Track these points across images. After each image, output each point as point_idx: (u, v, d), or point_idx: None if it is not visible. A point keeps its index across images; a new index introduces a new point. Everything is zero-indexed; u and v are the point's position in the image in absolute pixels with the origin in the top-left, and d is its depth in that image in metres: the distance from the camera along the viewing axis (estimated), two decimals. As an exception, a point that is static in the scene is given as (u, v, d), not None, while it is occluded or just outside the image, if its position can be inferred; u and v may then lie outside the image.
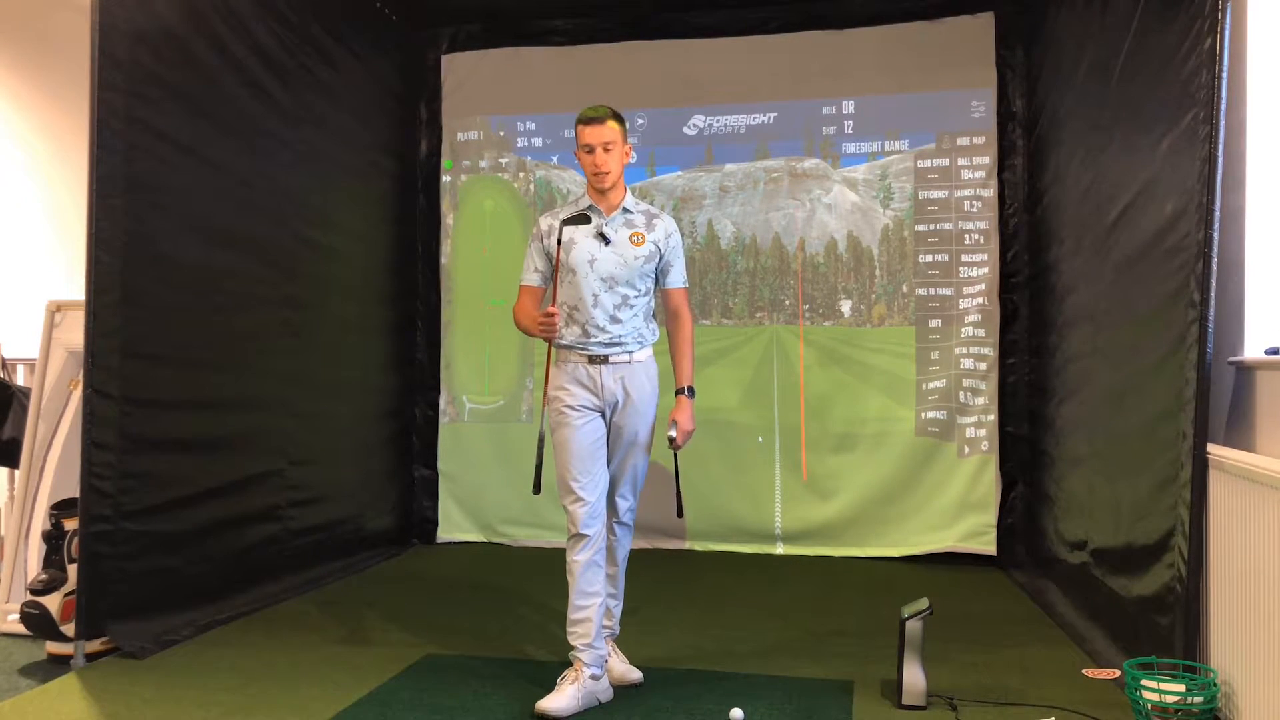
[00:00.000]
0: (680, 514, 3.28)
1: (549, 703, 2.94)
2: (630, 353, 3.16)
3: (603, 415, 3.16)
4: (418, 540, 5.68)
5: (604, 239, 3.15)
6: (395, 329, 5.57)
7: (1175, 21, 3.00)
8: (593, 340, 3.13)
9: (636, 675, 3.23)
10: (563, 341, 3.15)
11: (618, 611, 3.29)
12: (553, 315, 3.03)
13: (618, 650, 3.29)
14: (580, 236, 3.16)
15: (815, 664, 3.44)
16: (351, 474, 5.07)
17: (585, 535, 3.07)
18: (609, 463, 3.19)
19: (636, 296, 3.17)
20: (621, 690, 3.16)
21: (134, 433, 3.57)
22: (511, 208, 5.70)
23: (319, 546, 4.73)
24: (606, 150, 3.12)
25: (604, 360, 3.13)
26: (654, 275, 3.23)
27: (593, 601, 3.07)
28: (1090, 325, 3.88)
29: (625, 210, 3.21)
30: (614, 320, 3.13)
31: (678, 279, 3.26)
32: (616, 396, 3.14)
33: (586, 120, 3.14)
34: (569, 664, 3.09)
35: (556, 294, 3.18)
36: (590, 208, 3.19)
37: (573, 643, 3.07)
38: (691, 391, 3.22)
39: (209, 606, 3.90)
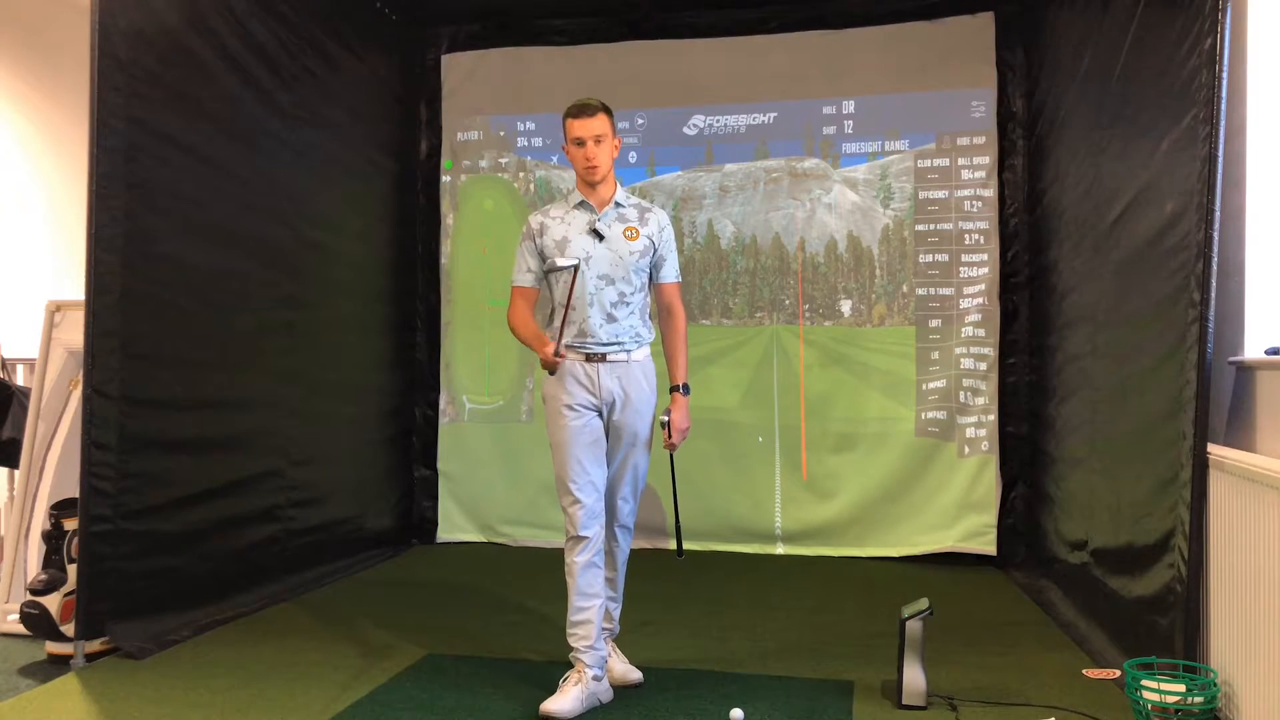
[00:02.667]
0: (680, 554, 3.24)
1: (553, 704, 2.93)
2: (628, 351, 3.11)
3: (600, 414, 3.12)
4: (418, 540, 5.68)
5: (598, 235, 3.10)
6: (395, 329, 5.57)
7: (1175, 21, 3.00)
8: (590, 339, 3.09)
9: (636, 676, 3.23)
10: (561, 339, 3.07)
11: (617, 612, 3.26)
12: (560, 358, 2.98)
13: (618, 650, 3.28)
14: (574, 234, 3.11)
15: (815, 664, 3.44)
16: (351, 474, 5.07)
17: (585, 537, 3.04)
18: (608, 465, 3.15)
19: (633, 294, 3.12)
20: (621, 690, 3.16)
21: (134, 433, 3.57)
22: (511, 208, 5.70)
23: (319, 546, 4.73)
24: (597, 143, 3.07)
25: (601, 359, 3.09)
26: (649, 270, 3.19)
27: (593, 603, 3.06)
28: (1090, 325, 3.88)
29: (617, 204, 3.16)
30: (610, 319, 3.09)
31: (671, 273, 3.22)
32: (615, 396, 3.09)
33: (575, 113, 3.08)
34: (569, 664, 3.09)
35: (553, 293, 3.15)
36: (581, 203, 3.15)
37: (573, 644, 3.06)
38: (686, 389, 3.17)
39: (209, 606, 3.90)
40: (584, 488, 3.06)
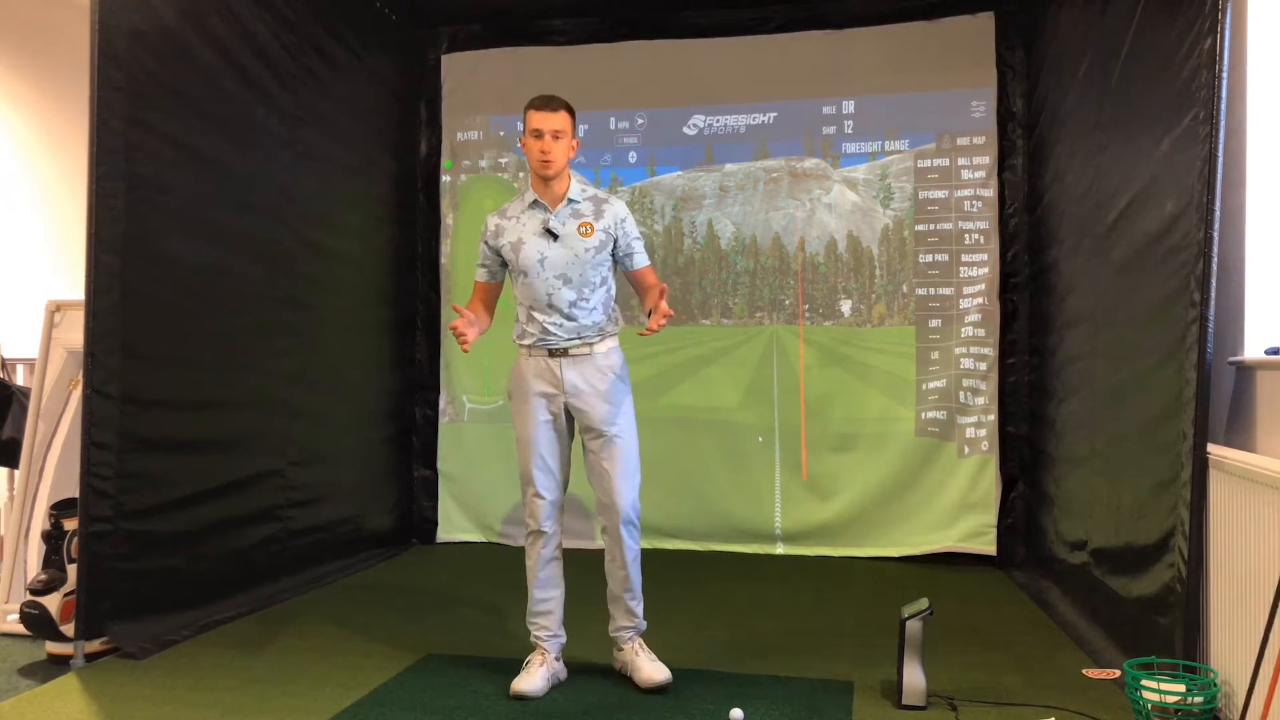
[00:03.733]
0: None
1: (523, 684, 3.07)
2: (590, 344, 3.15)
3: (566, 410, 3.16)
4: (417, 540, 5.68)
5: (551, 235, 3.13)
6: (395, 329, 5.57)
7: (1175, 21, 3.00)
8: (552, 336, 3.13)
9: (665, 675, 3.14)
10: (525, 341, 3.17)
11: (640, 609, 3.26)
12: (456, 330, 2.98)
13: (645, 648, 3.24)
14: (528, 235, 3.14)
15: (815, 664, 3.44)
16: (351, 474, 5.07)
17: (544, 532, 3.14)
18: (595, 463, 3.17)
19: (593, 290, 3.15)
20: (622, 690, 3.17)
21: (134, 433, 3.57)
22: (511, 208, 5.70)
23: (319, 546, 4.73)
24: (555, 138, 3.09)
25: (564, 353, 3.13)
26: (609, 263, 3.20)
27: (553, 594, 3.20)
28: (1090, 325, 3.88)
29: (571, 201, 3.17)
30: (569, 318, 3.13)
31: (642, 259, 3.24)
32: (578, 387, 3.13)
33: (538, 105, 3.12)
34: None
35: (516, 293, 3.22)
36: (535, 202, 3.17)
37: (535, 634, 3.19)
38: (663, 292, 3.04)
39: (209, 606, 3.90)
40: (546, 484, 3.14)
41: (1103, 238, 3.71)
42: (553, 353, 3.13)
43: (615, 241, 3.18)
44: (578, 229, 3.14)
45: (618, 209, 3.21)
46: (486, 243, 3.24)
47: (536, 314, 3.14)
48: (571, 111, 3.15)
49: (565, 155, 3.13)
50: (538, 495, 3.14)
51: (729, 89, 5.46)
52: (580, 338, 3.14)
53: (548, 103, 3.12)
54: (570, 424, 3.20)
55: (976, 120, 5.18)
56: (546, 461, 3.14)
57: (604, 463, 3.16)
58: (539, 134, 3.09)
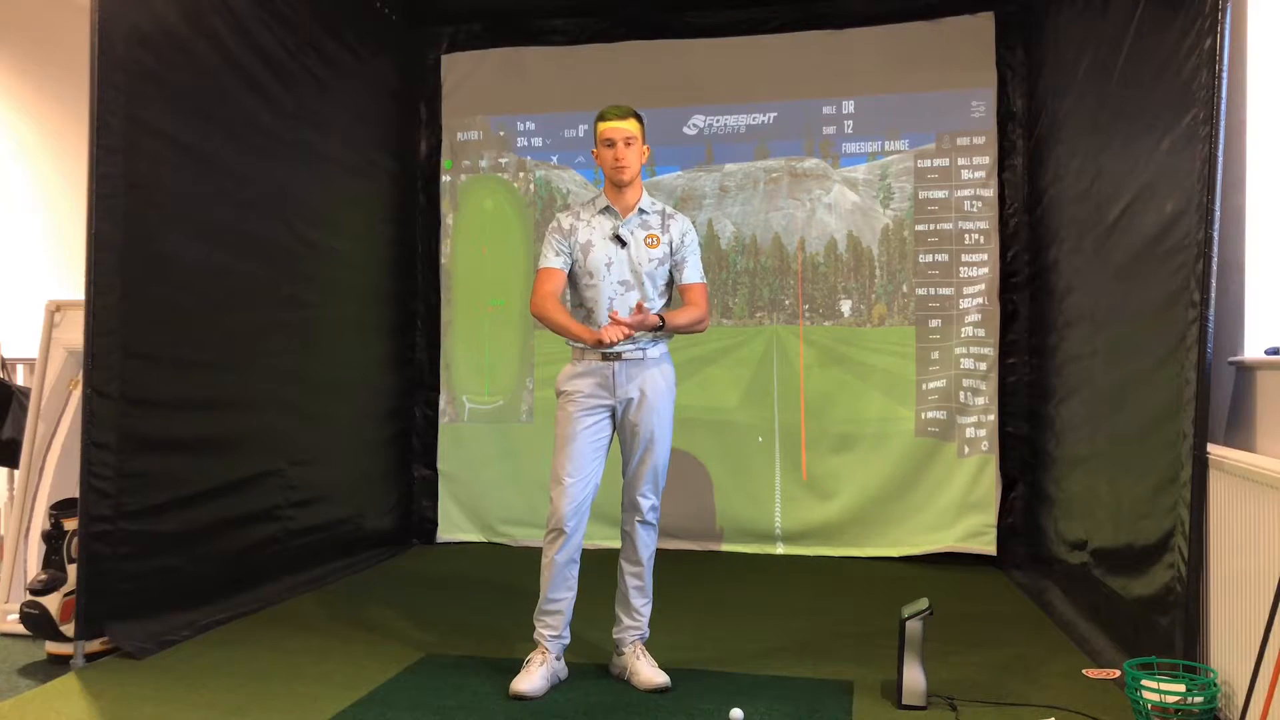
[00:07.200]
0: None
1: (522, 684, 3.06)
2: (644, 350, 3.18)
3: (613, 414, 3.19)
4: (418, 540, 5.68)
5: (620, 241, 3.18)
6: (395, 329, 5.57)
7: (1175, 21, 3.00)
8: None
9: (663, 679, 3.18)
10: (579, 344, 3.18)
11: (647, 612, 3.30)
12: (615, 324, 2.94)
13: (646, 654, 3.27)
14: (598, 239, 3.18)
15: (815, 664, 3.44)
16: (351, 474, 5.07)
17: (564, 531, 3.13)
18: (627, 462, 3.22)
19: (651, 300, 3.19)
20: (622, 691, 3.17)
21: (134, 433, 3.56)
22: (511, 208, 5.70)
23: (319, 546, 4.73)
24: (627, 145, 3.14)
25: (618, 357, 3.15)
26: (670, 275, 3.25)
27: (566, 596, 3.18)
28: (1090, 325, 3.88)
29: (641, 211, 3.23)
30: None
31: (694, 274, 3.26)
32: (630, 394, 3.16)
33: (607, 116, 3.15)
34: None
35: (580, 294, 3.23)
36: (606, 208, 3.21)
37: (540, 631, 3.18)
38: (662, 324, 3.08)
39: (209, 606, 3.90)
40: (575, 484, 3.13)
41: (1103, 238, 3.71)
42: (606, 356, 3.15)
43: (673, 253, 3.23)
44: (645, 239, 3.20)
45: (683, 223, 3.27)
46: (560, 235, 3.22)
47: (596, 317, 3.16)
48: (640, 118, 3.19)
49: (638, 160, 3.18)
50: (565, 494, 3.12)
51: (729, 89, 5.46)
52: (635, 343, 3.15)
53: (616, 111, 3.16)
54: (612, 430, 3.22)
55: (976, 120, 5.18)
56: (580, 463, 3.13)
57: (641, 467, 3.21)
58: (610, 142, 3.14)
